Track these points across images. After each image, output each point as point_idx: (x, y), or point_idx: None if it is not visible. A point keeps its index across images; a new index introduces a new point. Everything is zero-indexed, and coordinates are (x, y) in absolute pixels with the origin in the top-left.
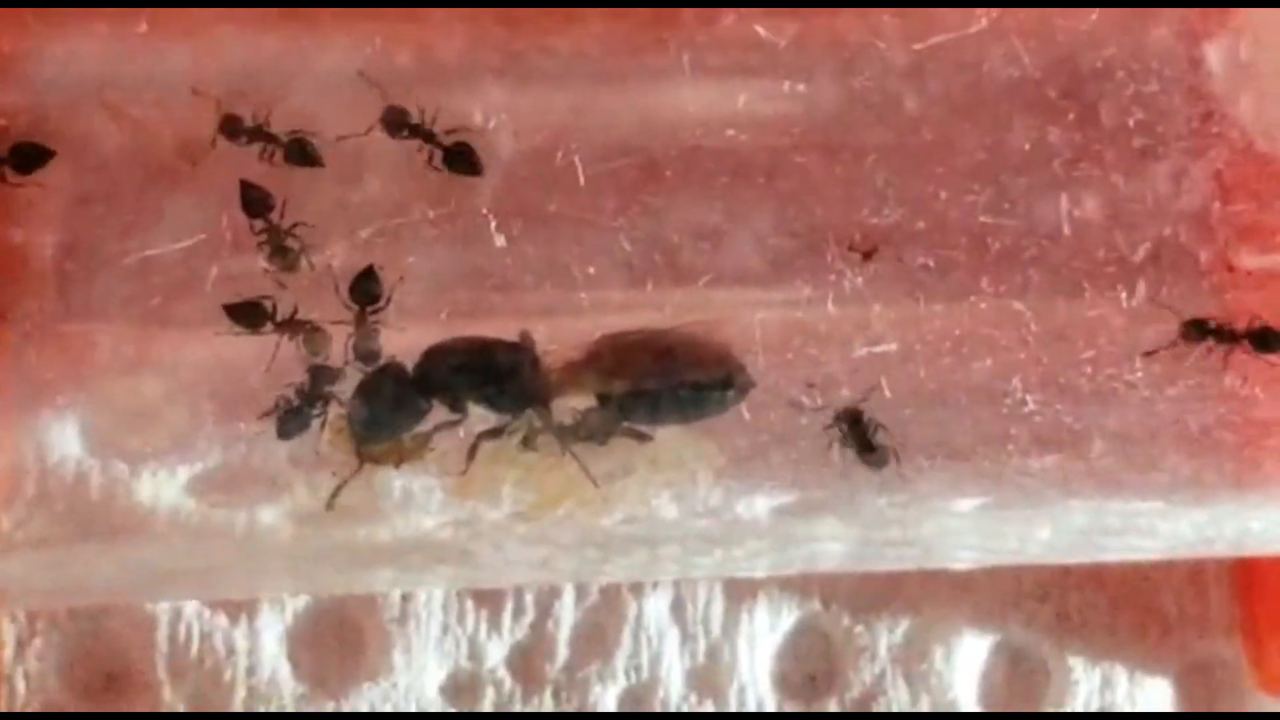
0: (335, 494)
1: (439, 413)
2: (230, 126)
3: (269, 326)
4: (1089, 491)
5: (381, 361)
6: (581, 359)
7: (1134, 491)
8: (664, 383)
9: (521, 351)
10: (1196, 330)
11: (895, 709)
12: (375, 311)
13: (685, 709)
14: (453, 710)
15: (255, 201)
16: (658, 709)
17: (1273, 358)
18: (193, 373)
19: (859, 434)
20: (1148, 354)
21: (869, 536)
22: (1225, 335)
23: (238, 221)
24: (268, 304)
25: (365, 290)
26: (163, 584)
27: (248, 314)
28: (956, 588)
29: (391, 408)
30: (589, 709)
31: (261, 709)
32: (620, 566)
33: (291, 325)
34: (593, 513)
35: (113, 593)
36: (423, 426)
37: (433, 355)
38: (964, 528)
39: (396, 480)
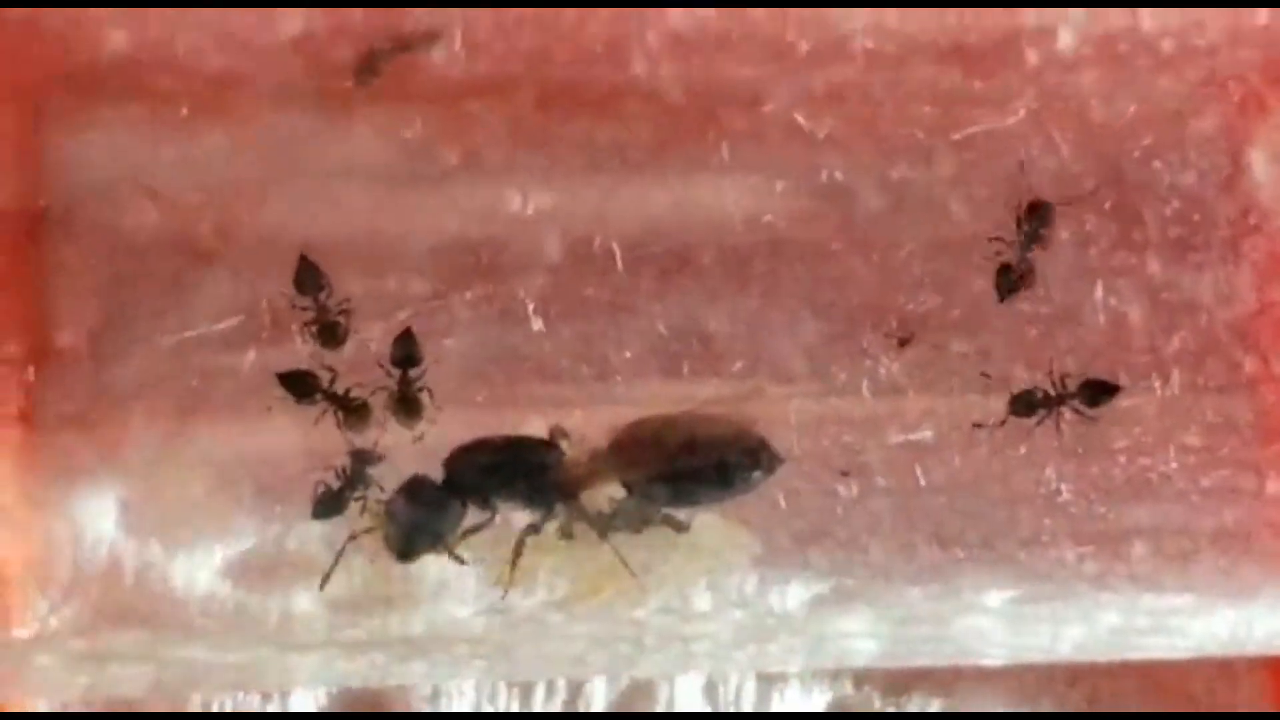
0: (328, 576)
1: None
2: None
3: (318, 397)
4: (1122, 585)
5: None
6: (605, 449)
7: (1168, 588)
8: (689, 466)
9: (547, 447)
10: (1024, 404)
11: None
12: (418, 375)
13: None
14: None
15: (309, 279)
16: None
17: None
18: (228, 456)
19: None
20: (976, 425)
21: (901, 633)
22: (1052, 401)
23: (275, 305)
24: (321, 376)
25: (405, 351)
26: (196, 676)
27: (299, 383)
28: (988, 671)
29: (427, 515)
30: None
31: None
32: (654, 662)
33: (340, 398)
34: (631, 602)
35: (145, 687)
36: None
37: (459, 457)
38: (994, 624)
39: (432, 568)
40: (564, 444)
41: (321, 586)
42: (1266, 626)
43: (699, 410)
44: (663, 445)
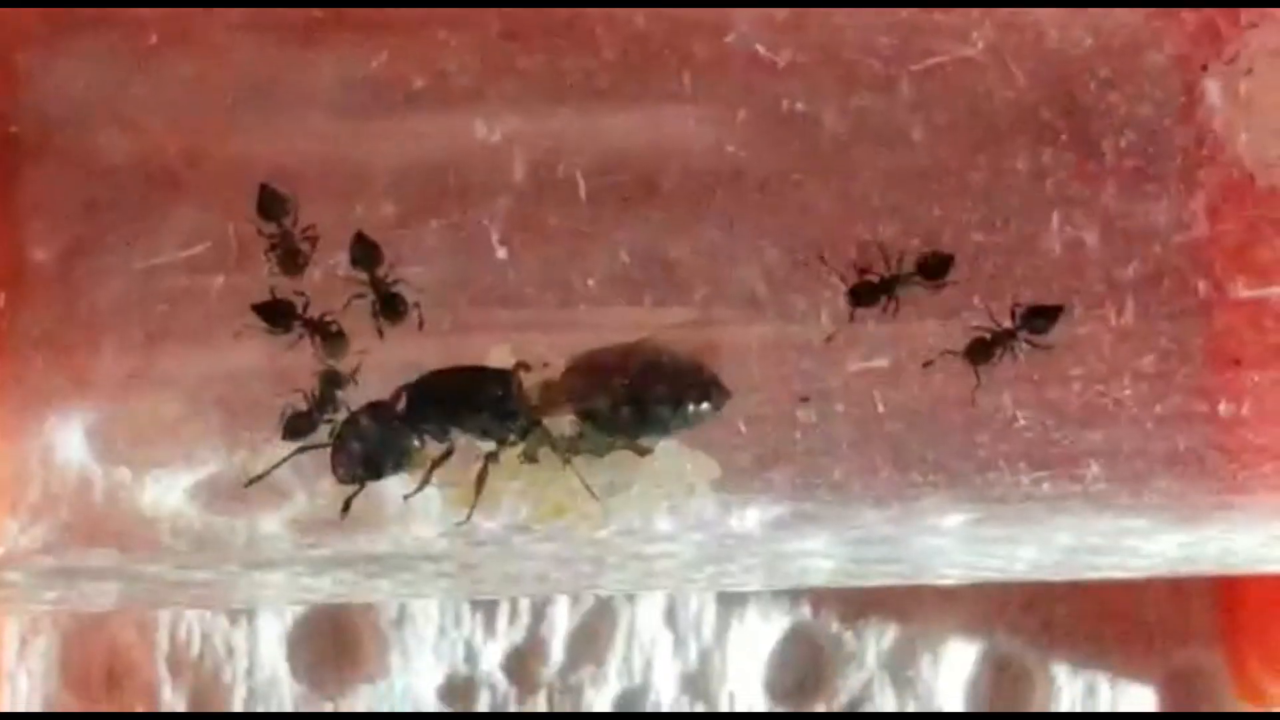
0: (348, 503)
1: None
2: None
3: (296, 325)
4: (1077, 509)
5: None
6: (557, 380)
7: (1121, 510)
8: (639, 397)
9: (504, 377)
10: (979, 352)
11: None
12: (385, 274)
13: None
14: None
15: (272, 204)
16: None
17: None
18: (197, 380)
19: None
20: (926, 364)
21: (857, 553)
22: (1003, 337)
23: (243, 232)
24: (297, 303)
25: (363, 250)
26: (164, 593)
27: (276, 313)
28: (944, 596)
29: (379, 443)
30: (583, 711)
31: (261, 709)
32: (615, 580)
33: (317, 325)
34: (593, 524)
35: (115, 601)
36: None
37: (417, 390)
38: (951, 545)
39: (396, 490)
40: (523, 375)
41: (248, 484)
42: (1218, 546)
43: (652, 343)
44: (614, 377)
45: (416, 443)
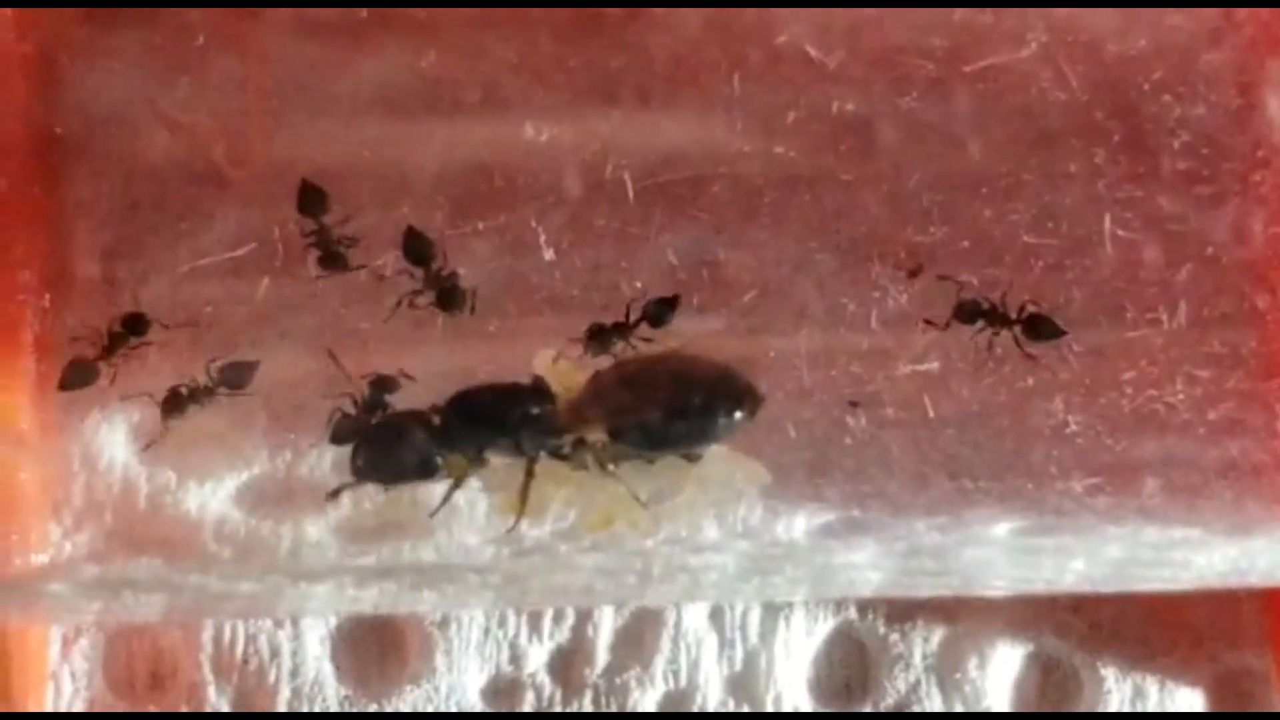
0: (337, 491)
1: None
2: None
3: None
4: (1130, 519)
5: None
6: (584, 396)
7: (1174, 520)
8: (669, 410)
9: (535, 395)
10: (968, 312)
11: None
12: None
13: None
14: (492, 712)
15: (312, 201)
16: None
17: (1040, 346)
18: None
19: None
20: (928, 323)
21: (906, 565)
22: (996, 318)
23: (288, 233)
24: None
25: (415, 246)
26: (209, 605)
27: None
28: (991, 598)
29: (406, 456)
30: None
31: (305, 710)
32: (661, 593)
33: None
34: (641, 532)
35: (159, 612)
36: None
37: (451, 410)
38: (1000, 556)
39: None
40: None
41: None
42: (1269, 558)
43: (679, 354)
44: (643, 390)
45: (439, 460)
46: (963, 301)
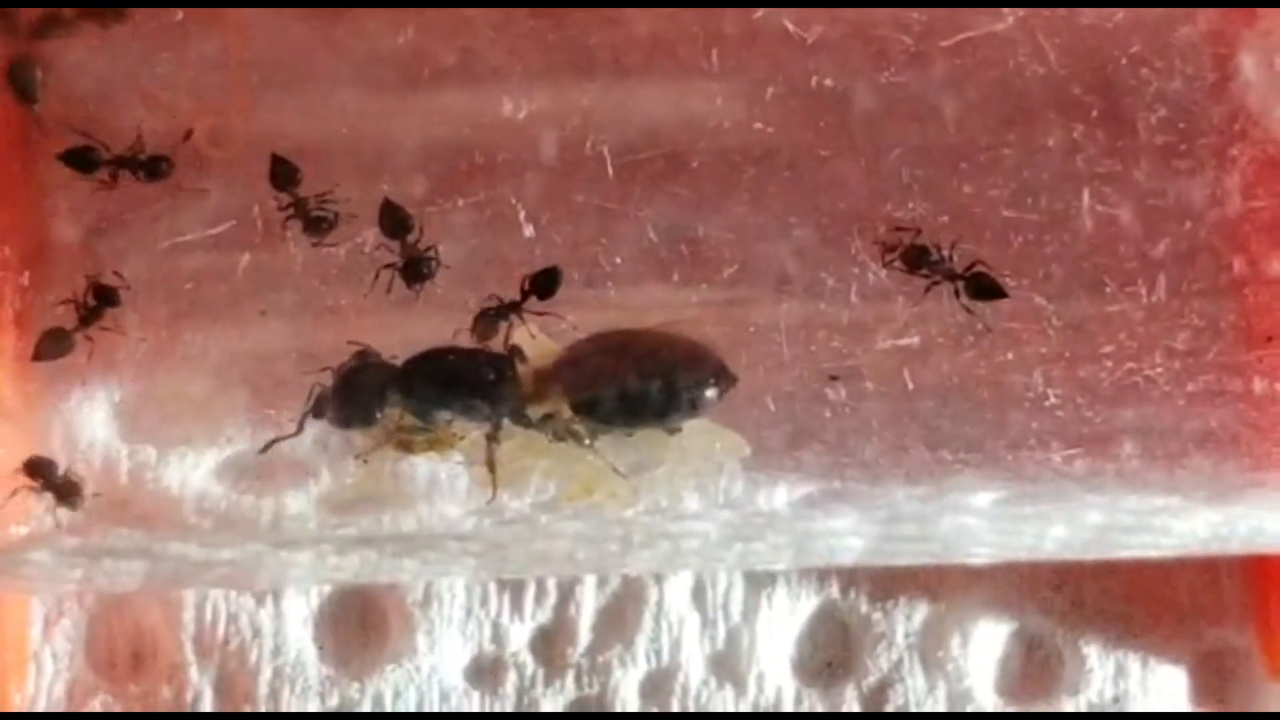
0: (269, 446)
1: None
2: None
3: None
4: (1108, 487)
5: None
6: (554, 366)
7: (1154, 488)
8: (637, 387)
9: (499, 363)
10: (917, 257)
11: (912, 695)
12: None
13: (705, 694)
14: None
15: (283, 174)
16: (678, 693)
17: (979, 306)
18: (222, 359)
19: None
20: (887, 264)
21: (887, 531)
22: (942, 269)
23: (268, 209)
24: None
25: (391, 218)
26: (190, 573)
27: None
28: (973, 576)
29: (361, 402)
30: (610, 692)
31: (286, 690)
32: (642, 560)
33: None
34: (621, 503)
35: (140, 581)
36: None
37: (415, 366)
38: (981, 524)
39: (422, 468)
40: (518, 362)
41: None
42: (1249, 525)
43: (652, 332)
44: (611, 365)
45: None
46: (912, 245)
